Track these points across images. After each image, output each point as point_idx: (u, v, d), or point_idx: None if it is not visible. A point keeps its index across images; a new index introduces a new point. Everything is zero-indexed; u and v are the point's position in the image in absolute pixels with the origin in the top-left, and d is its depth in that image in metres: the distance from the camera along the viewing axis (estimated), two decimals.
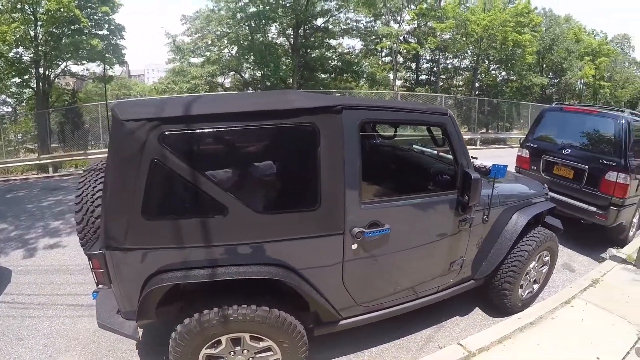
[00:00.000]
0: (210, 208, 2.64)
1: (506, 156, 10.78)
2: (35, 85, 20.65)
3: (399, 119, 3.70)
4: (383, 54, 29.37)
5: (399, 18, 28.15)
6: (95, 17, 20.64)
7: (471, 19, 23.56)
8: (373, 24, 27.63)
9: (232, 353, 2.89)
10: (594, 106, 6.93)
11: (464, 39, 25.30)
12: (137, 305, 2.72)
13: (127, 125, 2.45)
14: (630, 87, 39.50)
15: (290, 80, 24.42)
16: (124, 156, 2.50)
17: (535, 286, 4.41)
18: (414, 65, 31.53)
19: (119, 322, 3.00)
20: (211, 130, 2.63)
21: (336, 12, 25.55)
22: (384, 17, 27.64)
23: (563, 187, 6.14)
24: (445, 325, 4.10)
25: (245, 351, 2.91)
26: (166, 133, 2.48)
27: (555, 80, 34.34)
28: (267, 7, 22.73)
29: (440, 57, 29.94)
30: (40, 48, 19.01)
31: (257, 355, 2.96)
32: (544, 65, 32.93)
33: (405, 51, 27.88)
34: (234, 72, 26.63)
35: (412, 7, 27.71)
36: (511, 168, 4.10)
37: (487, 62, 28.94)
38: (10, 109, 24.60)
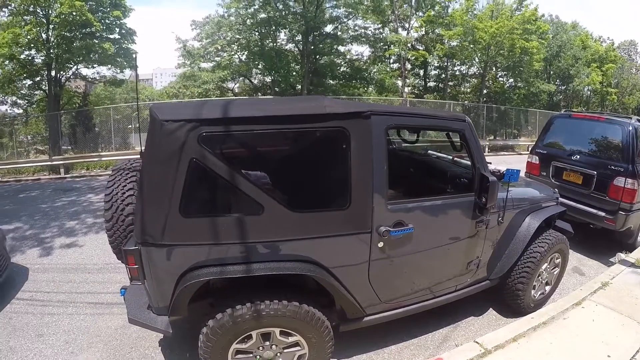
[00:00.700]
0: (247, 206, 2.71)
1: (515, 163, 10.86)
2: (46, 88, 20.79)
3: (422, 124, 3.79)
4: (391, 61, 29.40)
5: (407, 25, 28.26)
6: (106, 20, 20.80)
7: (479, 26, 23.56)
8: (381, 30, 27.72)
9: (261, 348, 2.96)
10: (601, 113, 7.02)
11: (472, 46, 25.29)
12: (170, 300, 2.78)
13: (167, 126, 2.54)
14: (637, 93, 39.38)
15: (300, 86, 24.58)
16: (162, 155, 2.57)
17: (547, 288, 4.51)
18: (422, 72, 31.51)
19: (151, 318, 3.06)
20: (248, 132, 2.71)
21: (345, 19, 25.72)
22: (392, 24, 27.75)
23: (572, 193, 6.24)
24: (460, 324, 4.19)
25: (273, 346, 2.97)
26: (205, 134, 2.56)
27: (563, 87, 34.28)
28: (277, 14, 22.97)
29: (448, 64, 29.93)
30: (52, 51, 19.15)
31: (285, 351, 3.02)
32: (551, 72, 32.95)
33: (413, 58, 27.92)
34: (243, 78, 26.80)
35: (420, 14, 27.77)
36: (521, 174, 4.23)
37: (494, 69, 28.94)
38: (21, 111, 24.71)
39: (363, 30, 27.30)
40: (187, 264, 2.71)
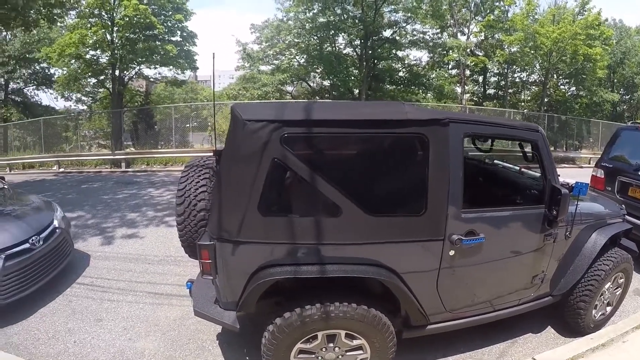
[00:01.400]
0: (325, 208, 2.78)
1: (576, 176, 10.55)
2: (110, 86, 22.12)
3: (496, 133, 3.70)
4: (450, 67, 28.91)
5: (466, 30, 27.85)
6: (168, 23, 21.84)
7: (540, 31, 22.74)
8: (439, 35, 27.38)
9: (324, 349, 2.97)
10: None
11: (533, 52, 24.48)
12: (240, 296, 2.85)
13: (249, 125, 2.60)
14: None
15: (357, 90, 24.78)
16: (244, 154, 2.64)
17: (608, 308, 4.31)
18: (481, 79, 30.78)
19: (218, 312, 3.12)
20: (329, 134, 2.79)
21: (404, 24, 25.60)
22: (450, 28, 27.44)
23: (638, 210, 5.97)
24: (518, 340, 4.07)
25: (337, 348, 2.98)
26: (287, 134, 2.62)
27: (627, 97, 32.56)
28: (336, 18, 23.26)
29: (508, 70, 29.12)
30: (116, 51, 20.30)
31: (347, 353, 3.03)
32: (615, 81, 31.34)
33: (472, 64, 27.36)
34: (300, 81, 27.27)
35: (479, 18, 27.23)
36: None
37: (555, 76, 27.88)
38: (85, 107, 26.47)
39: (421, 35, 27.03)
40: (260, 262, 2.78)
